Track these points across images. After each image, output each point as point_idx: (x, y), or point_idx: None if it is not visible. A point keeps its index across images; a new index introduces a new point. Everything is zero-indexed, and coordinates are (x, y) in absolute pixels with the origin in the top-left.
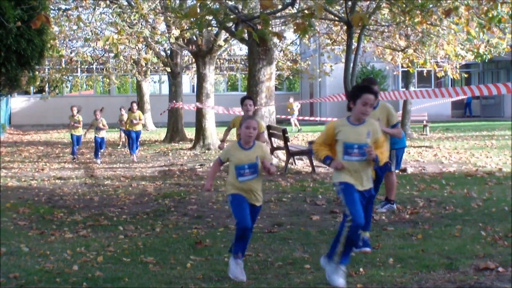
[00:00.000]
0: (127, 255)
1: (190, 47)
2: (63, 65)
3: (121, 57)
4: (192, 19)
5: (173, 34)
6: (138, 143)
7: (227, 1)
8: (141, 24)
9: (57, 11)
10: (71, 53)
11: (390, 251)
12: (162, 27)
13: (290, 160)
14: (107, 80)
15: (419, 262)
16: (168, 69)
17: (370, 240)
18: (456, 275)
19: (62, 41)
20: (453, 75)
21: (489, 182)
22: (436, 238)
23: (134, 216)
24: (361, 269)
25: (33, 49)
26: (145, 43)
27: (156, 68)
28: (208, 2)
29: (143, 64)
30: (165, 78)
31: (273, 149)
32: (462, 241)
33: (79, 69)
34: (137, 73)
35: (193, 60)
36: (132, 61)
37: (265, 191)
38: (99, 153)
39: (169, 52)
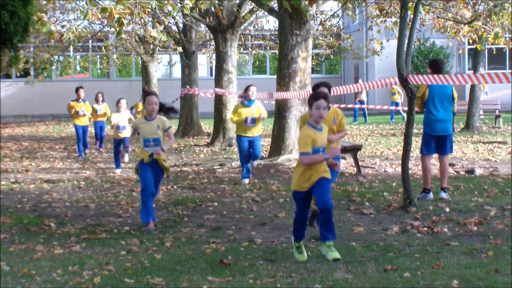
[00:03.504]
0: (130, 275)
1: (208, 19)
2: (52, 43)
3: (123, 35)
4: None
5: (186, 4)
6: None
7: None
8: None
9: None
10: (62, 28)
11: (454, 271)
12: None
13: None
14: (106, 60)
15: (491, 285)
16: (181, 48)
17: (429, 257)
18: None
19: (51, 14)
20: None
21: None
22: (511, 255)
23: (139, 227)
24: None
25: (16, 23)
26: (152, 13)
27: (167, 45)
28: None
29: (150, 41)
30: (176, 58)
31: None
32: None
33: (71, 48)
34: (143, 51)
35: (212, 36)
36: (136, 37)
37: None
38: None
39: (181, 26)
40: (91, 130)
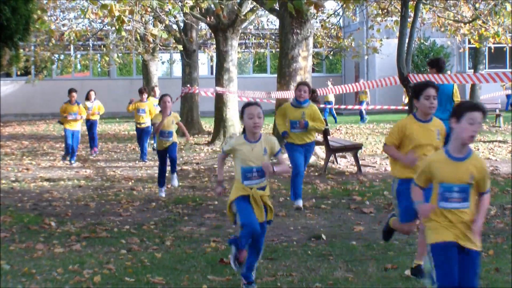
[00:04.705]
0: (130, 274)
1: (208, 18)
2: (53, 42)
3: (123, 33)
4: None
5: (186, 2)
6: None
7: None
8: None
9: None
10: (63, 26)
11: None
12: None
13: (331, 158)
14: (107, 59)
15: (491, 284)
16: (181, 47)
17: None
18: None
19: (52, 12)
20: None
21: None
22: (511, 254)
23: (139, 226)
24: None
25: (18, 20)
26: (152, 13)
27: (168, 43)
28: None
29: (151, 40)
30: (177, 57)
31: None
32: None
33: (72, 46)
34: (144, 50)
35: (212, 35)
36: (137, 36)
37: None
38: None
39: (182, 25)
40: (83, 129)
